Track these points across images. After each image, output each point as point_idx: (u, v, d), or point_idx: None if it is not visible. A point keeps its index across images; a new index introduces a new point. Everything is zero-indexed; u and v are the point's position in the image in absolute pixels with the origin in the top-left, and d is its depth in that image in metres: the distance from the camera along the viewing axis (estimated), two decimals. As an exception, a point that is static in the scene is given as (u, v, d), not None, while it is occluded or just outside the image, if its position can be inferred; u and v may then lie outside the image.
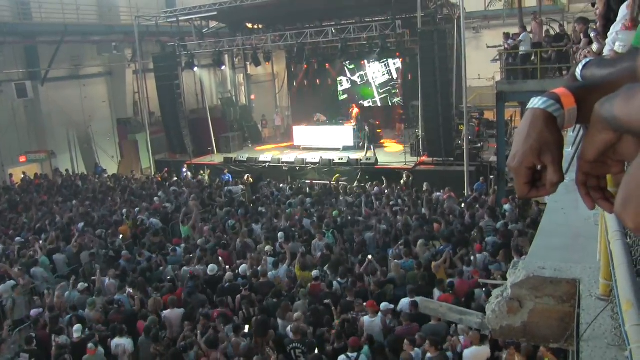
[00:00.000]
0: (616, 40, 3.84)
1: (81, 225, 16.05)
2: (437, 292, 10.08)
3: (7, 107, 23.42)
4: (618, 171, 0.97)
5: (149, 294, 11.28)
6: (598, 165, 0.96)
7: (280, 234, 14.01)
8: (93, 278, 12.58)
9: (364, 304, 9.74)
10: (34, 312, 10.98)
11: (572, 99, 0.98)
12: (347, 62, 29.37)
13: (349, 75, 30.20)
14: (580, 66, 1.35)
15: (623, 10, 3.91)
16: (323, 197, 18.34)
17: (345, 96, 30.34)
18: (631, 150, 0.91)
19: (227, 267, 12.53)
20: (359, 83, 30.03)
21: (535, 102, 0.99)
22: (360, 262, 12.01)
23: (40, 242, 14.68)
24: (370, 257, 11.84)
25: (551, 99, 0.98)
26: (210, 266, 12.09)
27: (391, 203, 16.48)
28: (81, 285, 11.75)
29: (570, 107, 0.97)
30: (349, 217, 15.39)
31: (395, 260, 11.58)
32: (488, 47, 21.31)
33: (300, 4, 23.89)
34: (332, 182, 20.28)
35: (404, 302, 9.76)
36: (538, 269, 2.77)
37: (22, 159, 24.16)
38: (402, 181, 19.79)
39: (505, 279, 3.26)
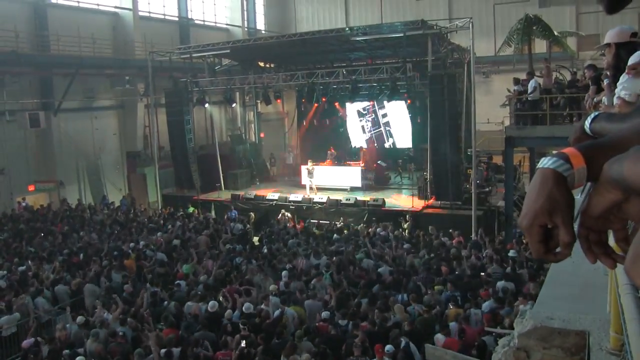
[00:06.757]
0: (622, 89, 3.86)
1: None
2: (440, 337, 9.90)
3: (19, 136, 23.66)
4: (620, 228, 0.99)
5: (150, 328, 11.16)
6: (601, 221, 0.97)
7: (284, 273, 13.94)
8: (95, 310, 12.48)
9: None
10: (25, 343, 10.86)
11: (582, 159, 0.98)
12: (356, 103, 29.62)
13: (358, 116, 30.43)
14: (589, 119, 1.35)
15: (633, 59, 3.92)
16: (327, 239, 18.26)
17: (354, 140, 30.56)
18: (637, 210, 0.92)
19: (230, 304, 12.43)
20: (367, 123, 30.23)
21: (545, 162, 1.00)
22: (357, 305, 11.85)
23: (49, 272, 14.64)
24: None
25: (561, 159, 0.98)
26: (211, 303, 11.98)
27: (404, 246, 16.44)
28: (80, 319, 11.59)
29: (580, 167, 0.98)
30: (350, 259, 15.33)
31: (398, 304, 11.43)
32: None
33: (312, 45, 24.22)
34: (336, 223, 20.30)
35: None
36: (546, 318, 2.72)
37: (31, 187, 24.29)
38: (405, 225, 19.72)
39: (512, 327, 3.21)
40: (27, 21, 24.44)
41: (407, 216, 20.13)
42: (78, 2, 27.42)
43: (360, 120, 30.64)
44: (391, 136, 30.03)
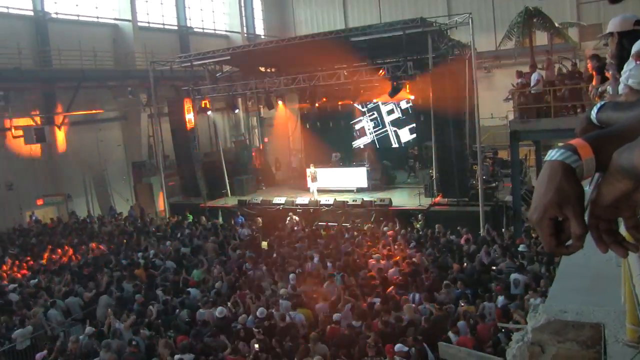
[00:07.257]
0: (629, 77, 3.82)
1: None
2: (453, 336, 9.85)
3: (26, 151, 23.78)
4: (630, 215, 0.98)
5: (163, 336, 11.18)
6: (610, 210, 0.96)
7: (291, 276, 13.93)
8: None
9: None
10: (39, 355, 10.88)
11: (590, 149, 0.97)
12: (358, 104, 29.57)
13: (361, 116, 30.39)
14: (595, 109, 1.34)
15: (637, 46, 3.89)
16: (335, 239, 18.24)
17: (358, 140, 30.54)
18: None
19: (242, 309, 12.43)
20: (369, 124, 30.20)
21: (553, 155, 0.98)
22: (369, 306, 11.83)
23: (60, 285, 14.69)
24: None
25: (568, 151, 0.97)
26: (219, 309, 11.97)
27: (411, 245, 16.42)
28: (88, 330, 11.57)
29: (588, 158, 0.96)
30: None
31: (408, 304, 11.39)
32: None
33: (312, 48, 24.18)
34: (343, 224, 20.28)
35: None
36: (559, 312, 2.68)
37: (40, 202, 24.41)
38: (417, 224, 19.64)
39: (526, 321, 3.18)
40: (29, 37, 24.61)
41: (420, 215, 20.07)
42: (78, 15, 27.54)
43: (361, 121, 30.57)
44: (396, 135, 29.95)
